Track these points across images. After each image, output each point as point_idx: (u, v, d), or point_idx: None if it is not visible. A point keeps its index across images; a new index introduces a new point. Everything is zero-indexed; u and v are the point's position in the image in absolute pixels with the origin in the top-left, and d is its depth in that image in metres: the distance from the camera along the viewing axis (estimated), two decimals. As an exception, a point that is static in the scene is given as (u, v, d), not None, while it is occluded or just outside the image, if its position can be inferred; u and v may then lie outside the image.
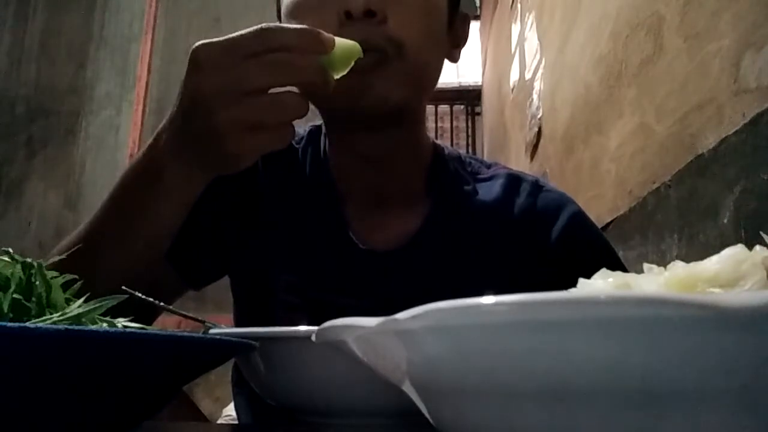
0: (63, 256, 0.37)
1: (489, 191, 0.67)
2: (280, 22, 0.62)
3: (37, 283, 0.30)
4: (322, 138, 0.68)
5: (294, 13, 0.58)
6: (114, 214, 0.53)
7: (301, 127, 0.70)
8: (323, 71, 0.44)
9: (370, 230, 0.63)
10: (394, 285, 0.60)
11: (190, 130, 0.46)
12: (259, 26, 0.43)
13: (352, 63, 0.47)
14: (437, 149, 0.69)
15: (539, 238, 0.64)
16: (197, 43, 0.44)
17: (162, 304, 0.47)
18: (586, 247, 0.65)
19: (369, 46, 0.51)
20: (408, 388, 0.25)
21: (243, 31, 0.43)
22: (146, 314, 0.57)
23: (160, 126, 0.50)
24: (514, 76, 2.27)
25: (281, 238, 0.64)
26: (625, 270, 0.61)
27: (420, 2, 0.58)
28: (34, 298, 0.30)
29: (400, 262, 0.62)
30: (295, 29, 0.44)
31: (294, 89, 0.46)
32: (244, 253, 0.66)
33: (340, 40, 0.45)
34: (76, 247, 0.46)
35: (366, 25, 0.54)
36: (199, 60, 0.44)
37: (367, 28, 0.54)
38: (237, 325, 0.69)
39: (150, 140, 0.51)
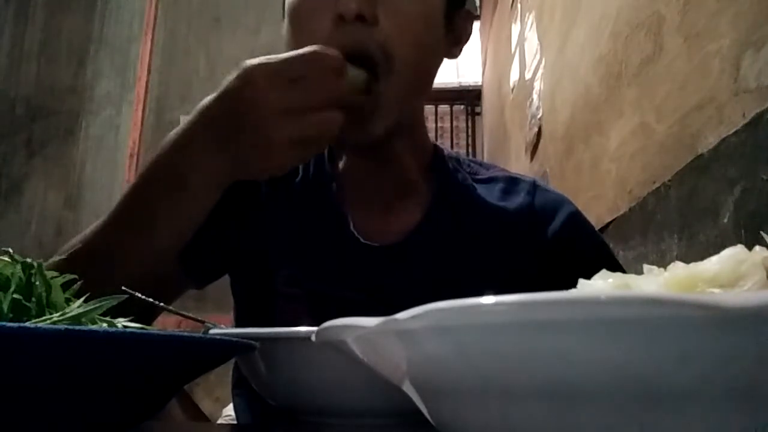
0: (63, 256, 0.37)
1: (487, 191, 0.67)
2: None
3: (37, 283, 0.30)
4: None
5: (292, 16, 0.60)
6: (130, 220, 0.54)
7: None
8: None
9: (371, 224, 0.64)
10: (393, 279, 0.60)
11: (232, 142, 0.49)
12: (310, 49, 0.48)
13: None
14: (437, 149, 0.70)
15: (536, 238, 0.64)
16: (251, 63, 0.48)
17: (162, 304, 0.47)
18: (583, 247, 0.65)
19: (360, 52, 0.54)
20: (408, 388, 0.25)
21: (293, 54, 0.48)
22: (146, 314, 0.57)
23: (173, 138, 0.51)
24: (514, 76, 2.27)
25: (282, 231, 0.64)
26: (622, 270, 0.62)
27: (413, 7, 0.58)
28: (34, 298, 0.30)
29: (400, 256, 0.62)
30: (333, 54, 0.49)
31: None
32: (245, 248, 0.66)
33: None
34: (85, 248, 0.47)
35: (357, 28, 0.55)
36: (254, 78, 0.47)
37: (358, 32, 0.55)
38: (237, 321, 0.69)
39: (161, 152, 0.52)
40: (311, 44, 0.52)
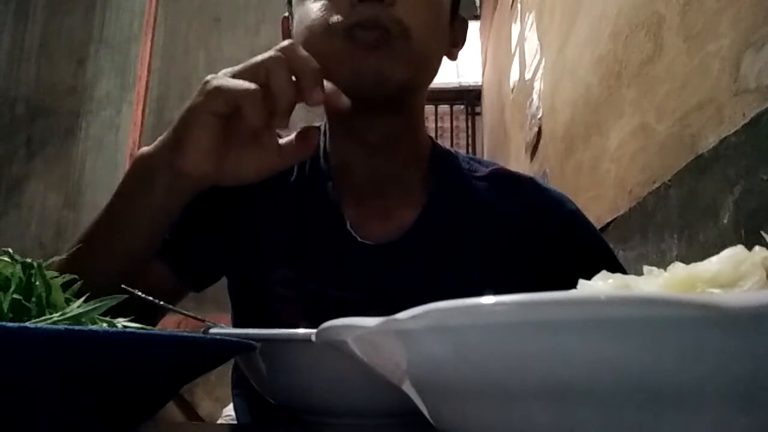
0: (64, 256, 0.37)
1: (485, 188, 0.67)
2: (291, 8, 0.65)
3: (37, 283, 0.30)
4: (321, 136, 0.68)
5: None
6: (106, 219, 0.54)
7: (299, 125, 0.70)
8: None
9: (368, 223, 0.63)
10: (391, 278, 0.60)
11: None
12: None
13: None
14: (435, 146, 0.70)
15: (536, 236, 0.64)
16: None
17: (162, 302, 0.47)
18: (584, 247, 0.65)
19: (376, 24, 0.56)
20: (408, 388, 0.25)
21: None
22: (148, 316, 0.57)
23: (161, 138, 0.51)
24: (514, 76, 2.27)
25: (277, 232, 0.64)
26: (622, 269, 0.62)
27: None
28: (34, 298, 0.30)
29: (397, 255, 0.62)
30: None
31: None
32: (241, 249, 0.66)
33: None
34: (75, 248, 0.46)
35: (375, 6, 0.56)
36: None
37: (376, 9, 0.56)
38: (234, 324, 0.69)
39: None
40: (328, 19, 0.56)
